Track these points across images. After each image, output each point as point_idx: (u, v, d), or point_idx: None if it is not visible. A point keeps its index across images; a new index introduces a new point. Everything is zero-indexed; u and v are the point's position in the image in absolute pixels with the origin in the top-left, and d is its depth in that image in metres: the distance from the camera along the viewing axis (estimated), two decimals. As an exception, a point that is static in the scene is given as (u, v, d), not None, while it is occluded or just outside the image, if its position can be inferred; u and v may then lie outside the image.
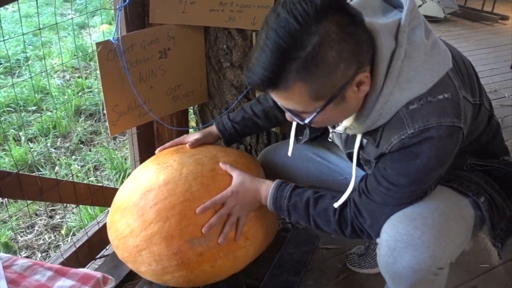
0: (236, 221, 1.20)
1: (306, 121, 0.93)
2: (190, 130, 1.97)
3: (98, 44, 1.39)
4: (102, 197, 1.57)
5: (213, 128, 1.42)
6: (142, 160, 1.69)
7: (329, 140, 1.25)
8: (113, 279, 0.90)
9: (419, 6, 5.04)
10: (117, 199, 1.28)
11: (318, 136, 1.35)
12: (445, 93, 0.90)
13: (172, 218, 1.15)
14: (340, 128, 1.07)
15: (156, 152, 1.37)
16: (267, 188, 1.20)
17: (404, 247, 0.96)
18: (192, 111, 2.02)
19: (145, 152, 1.69)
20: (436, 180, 1.00)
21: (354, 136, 1.10)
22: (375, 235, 1.07)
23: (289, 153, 1.31)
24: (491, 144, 1.15)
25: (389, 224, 1.01)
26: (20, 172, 1.24)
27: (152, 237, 1.15)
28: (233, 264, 1.24)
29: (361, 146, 1.09)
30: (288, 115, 0.97)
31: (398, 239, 0.97)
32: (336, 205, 1.11)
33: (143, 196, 1.19)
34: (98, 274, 0.87)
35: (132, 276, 1.48)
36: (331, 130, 1.17)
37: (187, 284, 1.24)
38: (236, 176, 1.22)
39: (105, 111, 1.46)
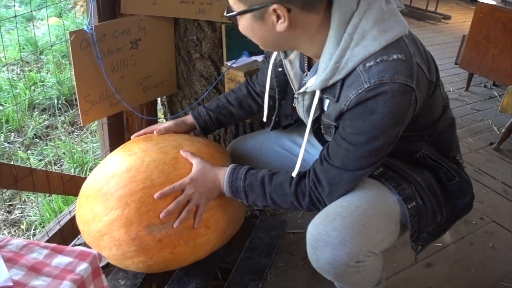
0: (195, 208, 1.23)
1: (228, 15, 1.05)
2: (159, 120, 1.99)
3: (71, 33, 1.39)
4: (74, 186, 1.57)
5: (188, 117, 1.46)
6: (112, 150, 1.69)
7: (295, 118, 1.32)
8: (106, 257, 0.93)
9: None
10: (84, 185, 1.31)
11: (290, 125, 1.42)
12: (399, 54, 0.99)
13: (132, 204, 1.18)
14: (295, 76, 1.20)
15: (131, 138, 1.39)
16: (224, 173, 1.24)
17: (324, 247, 1.07)
18: (160, 102, 2.03)
19: (115, 141, 1.70)
20: (388, 144, 1.06)
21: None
22: (329, 203, 1.14)
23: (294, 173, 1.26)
24: (445, 135, 1.25)
25: (312, 224, 1.11)
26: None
27: (112, 223, 1.19)
28: (193, 251, 1.28)
29: (322, 110, 1.14)
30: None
31: (319, 239, 1.08)
32: (294, 173, 1.17)
33: (106, 182, 1.22)
34: (94, 251, 0.89)
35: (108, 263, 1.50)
36: (295, 95, 1.22)
37: (147, 270, 1.28)
38: (196, 164, 1.25)
39: (60, 106, 1.46)
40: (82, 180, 1.62)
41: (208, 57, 1.73)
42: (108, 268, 1.45)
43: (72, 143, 2.72)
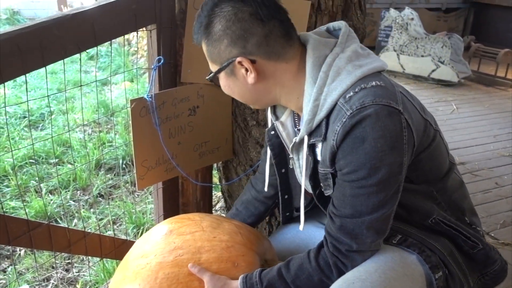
0: None
1: (208, 77, 1.10)
2: (213, 186, 1.98)
3: (132, 101, 1.45)
4: (126, 250, 1.57)
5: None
6: (166, 215, 1.70)
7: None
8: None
9: (433, 70, 5.18)
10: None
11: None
12: (378, 81, 0.97)
13: None
14: (288, 136, 1.19)
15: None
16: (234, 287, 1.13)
17: None
18: (215, 167, 2.04)
19: (170, 206, 1.70)
20: (394, 175, 0.98)
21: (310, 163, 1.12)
22: (360, 262, 1.04)
23: (301, 227, 1.22)
24: (456, 196, 1.15)
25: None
26: (32, 220, 1.23)
27: None
28: None
29: (317, 161, 1.09)
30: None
31: None
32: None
33: None
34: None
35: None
36: (290, 155, 1.20)
37: None
38: (207, 283, 1.14)
39: (124, 166, 1.49)
40: (133, 244, 1.62)
41: (264, 125, 1.72)
42: None
43: (132, 203, 2.78)
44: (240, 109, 1.74)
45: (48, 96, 1.28)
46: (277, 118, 1.21)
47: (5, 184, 2.88)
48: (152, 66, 1.51)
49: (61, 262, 2.26)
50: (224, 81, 1.10)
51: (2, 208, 1.26)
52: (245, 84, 1.06)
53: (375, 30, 6.18)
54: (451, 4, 7.16)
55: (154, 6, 1.44)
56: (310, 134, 1.06)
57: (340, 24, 1.10)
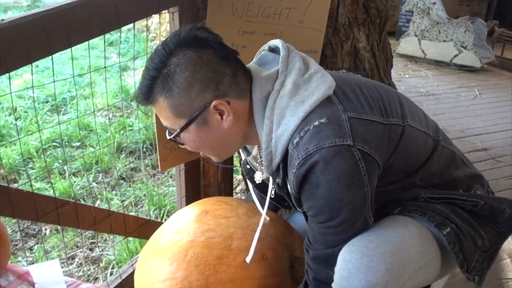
0: None
1: (172, 137, 1.03)
2: (234, 168, 2.00)
3: (155, 82, 1.46)
4: (149, 230, 1.60)
5: None
6: (187, 196, 1.73)
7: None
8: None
9: (456, 55, 5.09)
10: (140, 254, 1.32)
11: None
12: (320, 119, 0.94)
13: None
14: (261, 177, 1.17)
15: None
16: None
17: (360, 258, 0.93)
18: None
19: (191, 187, 1.73)
20: (360, 206, 0.96)
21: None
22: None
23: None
24: (448, 173, 1.13)
25: (346, 244, 0.99)
26: (59, 198, 1.26)
27: None
28: None
29: (290, 196, 1.08)
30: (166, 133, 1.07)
31: (353, 250, 0.95)
32: (247, 259, 1.11)
33: (149, 269, 1.21)
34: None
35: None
36: (270, 187, 1.15)
37: None
38: None
39: (144, 149, 1.51)
40: (157, 224, 1.65)
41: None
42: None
43: (153, 186, 2.82)
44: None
45: (73, 76, 1.29)
46: (248, 153, 1.22)
47: (30, 166, 2.95)
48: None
49: (86, 241, 2.32)
50: (193, 134, 1.01)
51: (31, 186, 1.28)
52: (220, 130, 1.01)
53: (396, 15, 6.08)
54: (475, -12, 6.99)
55: (176, -12, 1.45)
56: (276, 174, 1.05)
57: (278, 43, 1.06)
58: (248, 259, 1.12)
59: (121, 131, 3.52)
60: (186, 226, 1.23)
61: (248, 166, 1.27)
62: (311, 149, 0.92)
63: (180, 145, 1.08)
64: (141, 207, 2.66)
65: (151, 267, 1.20)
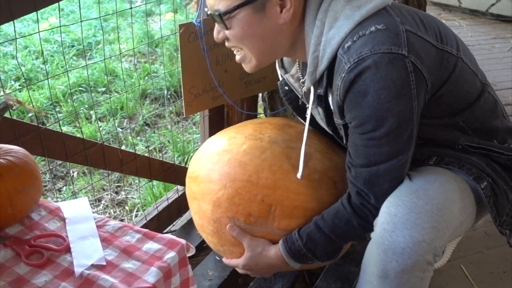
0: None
1: (223, 13, 0.96)
2: (258, 116, 1.99)
3: (181, 25, 1.43)
4: (174, 174, 1.63)
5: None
6: (212, 142, 1.73)
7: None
8: (193, 248, 0.94)
9: (493, 4, 4.85)
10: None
11: None
12: (377, 25, 0.91)
13: (229, 189, 1.15)
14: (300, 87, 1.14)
15: None
16: (276, 252, 1.15)
17: (407, 213, 0.91)
18: (261, 97, 2.04)
19: (215, 134, 1.73)
20: (405, 122, 0.94)
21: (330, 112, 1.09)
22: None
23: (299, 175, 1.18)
24: (489, 121, 1.09)
25: (391, 195, 0.98)
26: (87, 139, 1.29)
27: (205, 195, 1.19)
28: None
29: (331, 111, 1.06)
30: (215, 31, 1.04)
31: (400, 205, 0.93)
32: (298, 175, 1.11)
33: (220, 153, 1.21)
34: (183, 241, 0.90)
35: (197, 252, 1.54)
36: (307, 105, 1.13)
37: (217, 251, 1.29)
38: (246, 248, 1.17)
39: (169, 96, 1.51)
40: (181, 168, 1.68)
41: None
42: (196, 257, 1.49)
43: (177, 132, 2.85)
44: (288, 38, 1.70)
45: (100, 17, 1.28)
46: (285, 72, 1.18)
47: (57, 110, 3.00)
48: (201, -10, 1.48)
49: (112, 184, 2.38)
50: (245, 19, 0.97)
51: (60, 126, 1.31)
52: (273, 24, 0.97)
53: (431, -40, 5.77)
54: None
55: None
56: (318, 84, 1.02)
57: None
58: (298, 175, 1.13)
59: (146, 78, 3.52)
60: (269, 130, 1.24)
61: (286, 88, 1.23)
62: (364, 53, 0.89)
63: (223, 40, 1.05)
64: (165, 153, 2.70)
65: (221, 154, 1.21)
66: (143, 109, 3.13)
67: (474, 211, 1.05)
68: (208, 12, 1.02)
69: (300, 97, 1.19)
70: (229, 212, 1.16)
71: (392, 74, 0.89)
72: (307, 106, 1.13)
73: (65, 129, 2.81)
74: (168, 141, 2.77)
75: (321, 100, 1.06)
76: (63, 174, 2.46)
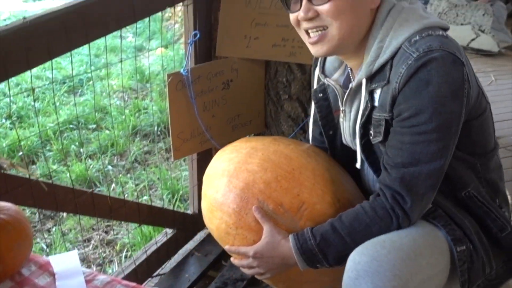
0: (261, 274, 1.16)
1: None
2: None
3: (169, 75, 1.49)
4: (162, 217, 1.66)
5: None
6: (200, 184, 1.76)
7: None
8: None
9: (473, 39, 5.00)
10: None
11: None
12: (444, 32, 1.00)
13: (268, 174, 1.15)
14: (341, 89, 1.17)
15: None
16: (289, 247, 1.09)
17: (369, 261, 0.94)
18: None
19: (203, 176, 1.76)
20: (455, 125, 0.98)
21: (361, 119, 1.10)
22: (416, 218, 1.03)
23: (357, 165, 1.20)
24: (494, 176, 1.15)
25: (360, 246, 1.00)
26: (77, 188, 1.31)
27: (241, 172, 1.17)
28: None
29: (373, 107, 1.07)
30: (304, 9, 1.02)
31: (365, 253, 0.96)
32: (357, 164, 1.14)
33: (266, 143, 1.24)
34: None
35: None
36: (341, 108, 1.17)
37: (224, 235, 1.19)
38: (266, 233, 1.11)
39: (159, 132, 1.55)
40: (169, 212, 1.71)
41: (296, 99, 1.75)
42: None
43: (166, 169, 2.88)
44: (273, 82, 1.76)
45: (89, 55, 1.32)
46: (325, 76, 1.20)
47: (47, 148, 3.02)
48: (188, 41, 1.55)
49: (101, 224, 2.39)
50: None
51: (51, 177, 1.34)
52: (363, 7, 1.02)
53: (414, -4, 5.97)
54: (497, -32, 6.80)
55: (190, -19, 1.47)
56: (370, 80, 1.05)
57: None
58: (358, 165, 1.17)
59: (136, 114, 3.57)
60: (261, 144, 1.27)
61: (320, 95, 1.25)
62: (434, 46, 0.95)
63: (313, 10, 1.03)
64: (155, 190, 2.73)
65: (264, 141, 1.26)
66: (133, 146, 3.17)
67: (447, 269, 1.06)
68: None
69: (338, 98, 1.19)
70: (262, 195, 1.14)
71: (454, 73, 0.95)
72: (342, 109, 1.17)
73: (55, 167, 2.83)
74: (158, 179, 2.79)
75: (369, 96, 1.07)
76: (52, 214, 2.47)
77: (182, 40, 1.68)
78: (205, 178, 1.30)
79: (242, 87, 1.71)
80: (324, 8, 1.00)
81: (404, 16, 1.02)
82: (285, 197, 1.13)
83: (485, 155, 1.12)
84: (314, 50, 1.08)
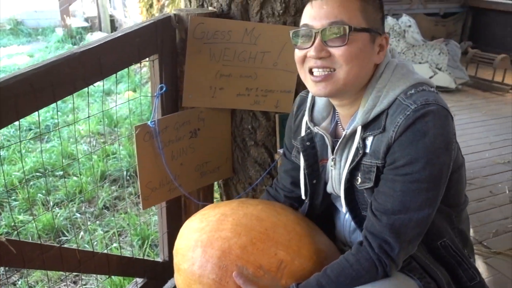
0: None
1: (354, 26, 1.03)
2: (215, 201, 2.06)
3: (136, 127, 1.53)
4: (133, 268, 1.65)
5: None
6: (170, 232, 1.78)
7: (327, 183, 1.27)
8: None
9: (431, 77, 5.25)
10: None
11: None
12: (435, 90, 1.07)
13: (243, 238, 1.16)
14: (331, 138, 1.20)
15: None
16: None
17: None
18: (216, 184, 2.12)
19: (173, 223, 1.78)
20: (444, 176, 1.03)
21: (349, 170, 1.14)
22: (401, 262, 1.07)
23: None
24: (464, 228, 1.23)
25: None
26: (44, 244, 1.32)
27: (216, 239, 1.17)
28: None
29: (364, 153, 1.10)
30: (317, 47, 1.05)
31: None
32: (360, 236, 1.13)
33: (234, 208, 1.25)
34: None
35: None
36: (332, 156, 1.18)
37: None
38: None
39: (128, 177, 1.56)
40: (139, 261, 1.71)
41: (262, 145, 1.81)
42: None
43: (136, 215, 2.86)
44: (239, 129, 1.82)
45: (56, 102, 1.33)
46: (314, 124, 1.22)
47: (13, 198, 2.96)
48: (155, 94, 1.60)
49: (69, 274, 2.34)
50: (363, 43, 1.05)
51: (18, 234, 1.33)
52: (370, 59, 1.08)
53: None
54: (449, 9, 7.21)
55: (156, 38, 1.53)
56: (364, 128, 1.10)
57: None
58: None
59: (105, 159, 3.55)
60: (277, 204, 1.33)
61: (308, 143, 1.25)
62: (430, 100, 1.01)
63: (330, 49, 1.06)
64: (125, 237, 2.70)
65: (235, 207, 1.26)
66: (102, 191, 3.14)
67: None
68: (328, 22, 1.04)
69: (326, 147, 1.21)
70: (240, 260, 1.14)
71: (447, 126, 1.01)
72: (332, 157, 1.18)
73: (21, 217, 2.78)
74: (128, 225, 2.77)
75: (361, 143, 1.11)
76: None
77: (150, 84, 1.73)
78: (176, 251, 1.28)
79: (209, 135, 1.76)
80: (338, 51, 1.04)
81: (399, 70, 1.09)
82: (263, 258, 1.15)
83: (459, 206, 1.19)
84: (316, 89, 1.09)
